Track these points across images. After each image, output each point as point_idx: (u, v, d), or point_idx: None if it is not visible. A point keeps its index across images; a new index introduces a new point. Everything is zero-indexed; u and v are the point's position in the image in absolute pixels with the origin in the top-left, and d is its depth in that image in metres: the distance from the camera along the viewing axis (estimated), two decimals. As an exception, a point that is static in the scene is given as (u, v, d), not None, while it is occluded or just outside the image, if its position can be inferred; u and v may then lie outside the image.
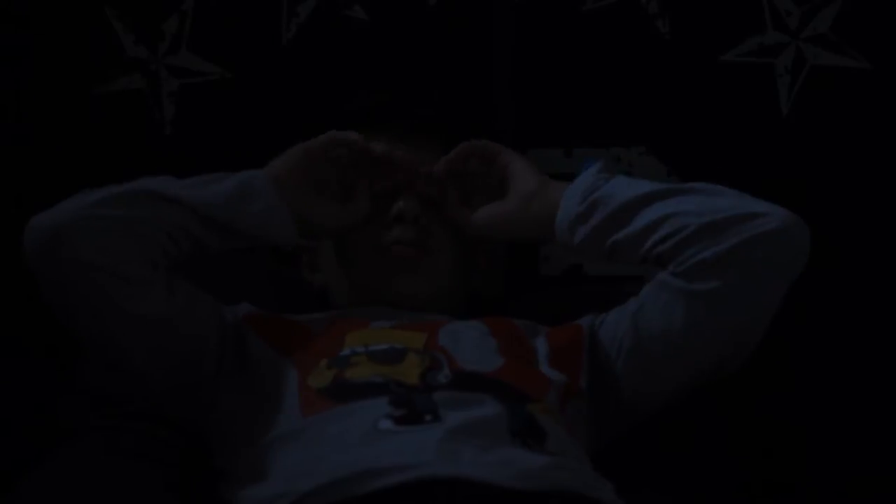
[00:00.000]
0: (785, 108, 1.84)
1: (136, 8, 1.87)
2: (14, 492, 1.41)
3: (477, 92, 1.85)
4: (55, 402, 1.65)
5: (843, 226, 1.82)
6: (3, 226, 1.83)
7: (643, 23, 1.84)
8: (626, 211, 1.43)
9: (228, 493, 1.35)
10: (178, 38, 1.88)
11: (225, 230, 1.43)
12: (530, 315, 1.56)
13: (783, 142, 1.83)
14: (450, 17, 1.85)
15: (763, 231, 1.39)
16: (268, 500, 1.26)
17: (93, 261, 1.36)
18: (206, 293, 1.47)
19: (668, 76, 1.84)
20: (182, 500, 1.42)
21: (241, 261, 1.68)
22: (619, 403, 1.48)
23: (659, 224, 1.41)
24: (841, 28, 1.82)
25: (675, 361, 1.45)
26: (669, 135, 1.84)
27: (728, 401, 1.61)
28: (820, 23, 1.83)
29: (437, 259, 1.55)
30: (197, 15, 1.87)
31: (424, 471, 1.22)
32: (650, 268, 1.44)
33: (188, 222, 1.41)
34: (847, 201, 1.83)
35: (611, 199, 1.44)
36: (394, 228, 1.53)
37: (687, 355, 1.44)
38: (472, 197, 1.55)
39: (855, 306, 1.81)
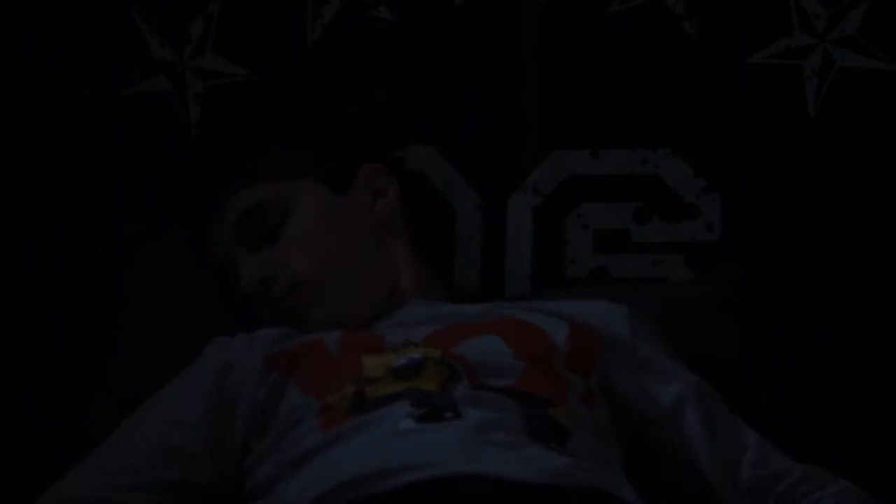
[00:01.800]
0: (812, 111, 1.83)
1: (162, 10, 1.88)
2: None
3: (502, 93, 1.85)
4: (85, 405, 1.66)
5: (872, 229, 1.81)
6: (29, 229, 1.85)
7: (669, 24, 1.84)
8: None
9: (251, 491, 1.37)
10: (204, 41, 1.88)
11: None
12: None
13: (811, 144, 1.82)
14: (476, 17, 1.85)
15: None
16: (289, 500, 1.27)
17: None
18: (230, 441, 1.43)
19: (694, 78, 1.83)
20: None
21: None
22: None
23: None
24: (869, 30, 1.81)
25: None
26: (696, 137, 1.83)
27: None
28: (847, 25, 1.82)
29: (329, 286, 1.55)
30: (222, 17, 1.87)
31: (447, 468, 1.22)
32: None
33: None
34: (875, 204, 1.81)
35: None
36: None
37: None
38: None
39: (884, 309, 1.80)
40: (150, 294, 1.73)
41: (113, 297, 1.75)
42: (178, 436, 1.40)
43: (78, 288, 1.81)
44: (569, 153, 1.84)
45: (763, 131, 1.83)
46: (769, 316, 1.77)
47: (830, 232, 1.81)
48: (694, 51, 1.84)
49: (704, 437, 1.47)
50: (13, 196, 1.85)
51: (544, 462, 1.26)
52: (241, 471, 1.42)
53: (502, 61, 1.85)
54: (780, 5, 1.82)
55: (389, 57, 1.86)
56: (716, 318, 1.73)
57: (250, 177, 1.60)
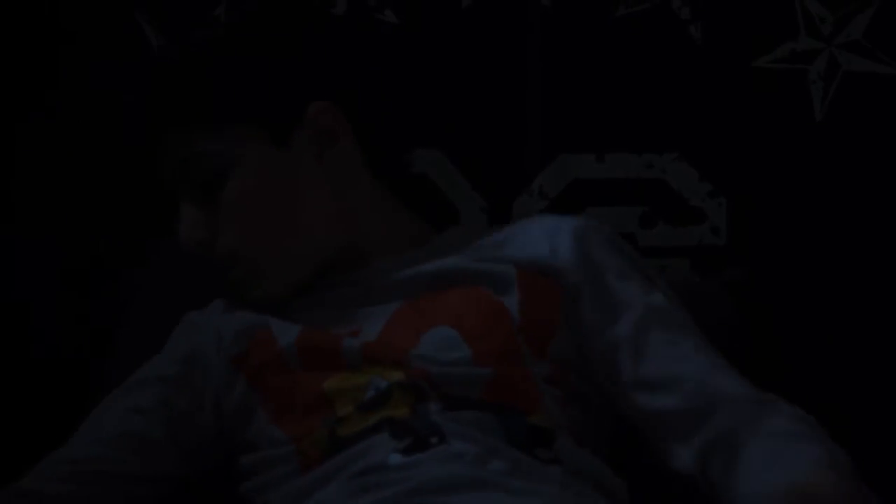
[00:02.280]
0: (818, 115, 1.83)
1: (167, 13, 1.87)
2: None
3: (508, 96, 1.85)
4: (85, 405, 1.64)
5: (878, 233, 1.81)
6: (31, 229, 1.84)
7: (675, 28, 1.84)
8: None
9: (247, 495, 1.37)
10: (209, 43, 1.87)
11: None
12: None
13: (817, 148, 1.82)
14: (481, 20, 1.85)
15: None
16: None
17: None
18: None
19: (700, 82, 1.83)
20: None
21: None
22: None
23: None
24: (875, 34, 1.82)
25: None
26: (702, 141, 1.83)
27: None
28: (853, 29, 1.82)
29: (266, 263, 1.45)
30: (229, 19, 1.87)
31: None
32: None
33: None
34: (882, 208, 1.81)
35: None
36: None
37: None
38: None
39: (891, 312, 1.79)
40: (150, 294, 1.72)
41: (114, 297, 1.75)
42: (137, 423, 1.40)
43: (79, 288, 1.80)
44: (574, 157, 1.84)
45: (769, 135, 1.82)
46: (775, 320, 1.77)
47: (836, 236, 1.80)
48: (700, 55, 1.83)
49: (637, 379, 1.38)
50: (14, 196, 1.84)
51: (547, 494, 1.24)
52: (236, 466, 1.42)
53: (508, 65, 1.85)
54: (786, 9, 1.82)
55: (394, 60, 1.86)
56: (721, 321, 1.72)
57: (188, 115, 1.45)
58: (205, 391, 1.43)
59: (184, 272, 1.68)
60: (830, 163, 1.82)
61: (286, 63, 1.46)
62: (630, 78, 1.84)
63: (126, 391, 1.45)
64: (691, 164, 1.83)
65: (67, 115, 1.86)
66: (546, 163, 1.84)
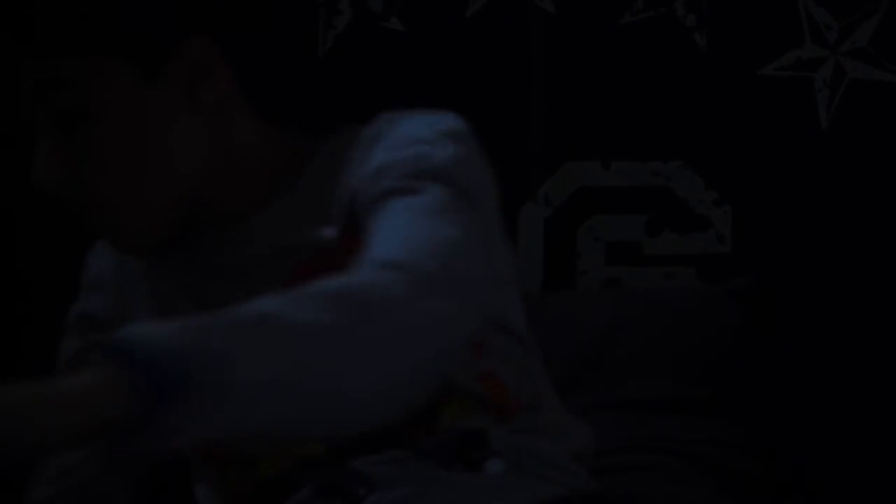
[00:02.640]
0: (824, 122, 1.83)
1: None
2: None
3: (513, 103, 1.85)
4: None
5: (884, 240, 1.80)
6: (36, 228, 1.85)
7: (681, 36, 1.84)
8: None
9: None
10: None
11: None
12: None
13: (822, 156, 1.82)
14: (486, 28, 1.85)
15: None
16: None
17: None
18: None
19: (705, 90, 1.83)
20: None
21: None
22: None
23: None
24: (880, 42, 1.81)
25: None
26: (707, 148, 1.83)
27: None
28: (859, 37, 1.82)
29: (125, 201, 1.23)
30: (234, 27, 1.87)
31: None
32: None
33: None
34: (887, 215, 1.81)
35: None
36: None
37: None
38: None
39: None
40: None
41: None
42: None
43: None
44: (580, 164, 1.84)
45: (774, 143, 1.82)
46: (780, 326, 1.76)
47: (842, 243, 1.80)
48: (705, 63, 1.84)
49: None
50: (18, 195, 1.84)
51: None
52: None
53: (513, 72, 1.86)
54: (791, 17, 1.82)
55: (400, 67, 1.86)
56: (726, 328, 1.72)
57: (48, 37, 1.20)
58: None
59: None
60: (836, 170, 1.81)
61: None
62: (635, 86, 1.84)
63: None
64: (697, 171, 1.83)
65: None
66: (552, 171, 1.84)
